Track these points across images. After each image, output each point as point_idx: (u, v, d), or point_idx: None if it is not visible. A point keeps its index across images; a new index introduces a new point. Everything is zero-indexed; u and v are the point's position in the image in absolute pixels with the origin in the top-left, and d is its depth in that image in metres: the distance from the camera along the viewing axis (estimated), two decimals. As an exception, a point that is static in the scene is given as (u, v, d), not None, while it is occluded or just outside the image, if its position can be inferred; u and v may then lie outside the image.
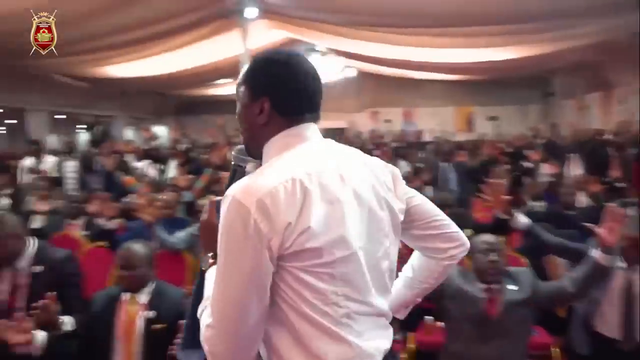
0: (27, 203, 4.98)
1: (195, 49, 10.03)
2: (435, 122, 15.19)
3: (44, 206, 4.01)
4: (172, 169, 7.10)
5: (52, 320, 2.10)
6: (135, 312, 2.34)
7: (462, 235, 1.32)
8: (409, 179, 4.63)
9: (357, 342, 1.06)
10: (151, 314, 2.30)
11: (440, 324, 2.71)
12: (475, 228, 3.16)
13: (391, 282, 1.19)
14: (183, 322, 1.94)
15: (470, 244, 2.47)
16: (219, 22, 9.00)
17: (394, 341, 2.58)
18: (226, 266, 1.01)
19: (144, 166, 7.45)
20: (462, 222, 3.42)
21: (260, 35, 9.88)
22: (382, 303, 1.14)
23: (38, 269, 2.33)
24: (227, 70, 11.51)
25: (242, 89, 1.20)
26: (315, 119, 1.17)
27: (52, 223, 4.18)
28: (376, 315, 1.13)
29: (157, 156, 7.46)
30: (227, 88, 14.08)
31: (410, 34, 9.41)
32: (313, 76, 1.16)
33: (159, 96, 16.07)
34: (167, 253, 3.47)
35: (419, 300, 1.42)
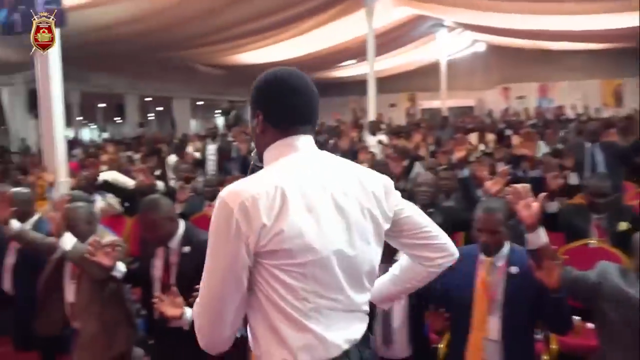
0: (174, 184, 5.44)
1: (322, 32, 10.16)
2: (576, 97, 13.81)
3: (184, 195, 4.29)
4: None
5: None
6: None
7: (450, 246, 1.40)
8: (548, 164, 4.22)
9: (322, 333, 1.17)
10: None
11: (589, 325, 2.45)
12: (635, 221, 2.79)
13: (370, 282, 1.29)
14: None
15: (632, 241, 2.21)
16: (345, 3, 8.99)
17: (536, 341, 2.40)
18: (212, 256, 1.17)
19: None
20: (618, 214, 3.09)
21: (385, 13, 9.70)
22: (357, 299, 1.24)
23: (186, 249, 2.50)
24: (352, 51, 11.52)
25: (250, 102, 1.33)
26: (308, 130, 1.27)
27: (194, 203, 4.52)
28: (347, 310, 1.23)
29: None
30: (352, 69, 14.14)
31: (548, 1, 8.58)
32: (302, 92, 1.26)
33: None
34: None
35: (403, 297, 1.55)
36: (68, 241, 2.60)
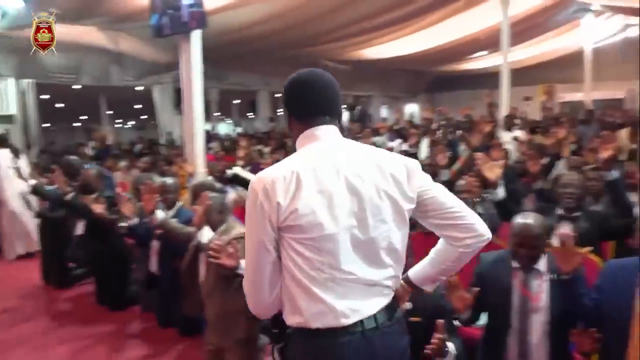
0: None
1: (451, 23, 9.74)
2: None
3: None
4: (425, 148, 7.08)
5: None
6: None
7: (478, 227, 1.43)
8: None
9: (332, 303, 1.32)
10: (408, 305, 2.16)
11: None
12: None
13: (393, 259, 1.39)
14: (441, 321, 1.86)
15: None
16: (476, -9, 8.54)
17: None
18: (247, 233, 1.38)
19: (396, 145, 7.63)
20: None
21: (522, 0, 9.02)
22: (375, 275, 1.37)
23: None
24: (484, 41, 10.91)
25: None
26: (328, 121, 1.43)
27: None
28: (365, 284, 1.36)
29: (407, 135, 7.52)
30: (483, 61, 13.41)
31: None
32: (316, 87, 1.44)
33: (413, 74, 16.31)
34: (422, 234, 3.43)
35: (444, 278, 1.60)
36: (206, 234, 2.76)
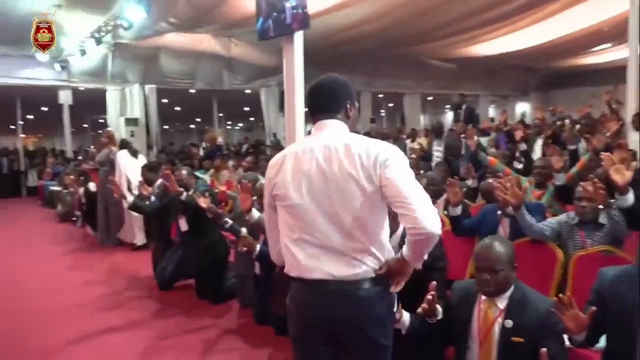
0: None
1: (570, 14, 8.98)
2: None
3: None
4: (538, 149, 6.58)
5: (431, 307, 2.04)
6: (492, 315, 2.04)
7: (422, 221, 1.52)
8: None
9: (300, 258, 1.66)
10: (509, 323, 1.99)
11: None
12: None
13: (361, 233, 1.62)
14: (544, 350, 1.69)
15: None
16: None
17: None
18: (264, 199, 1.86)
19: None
20: None
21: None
22: (342, 244, 1.62)
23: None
24: (607, 34, 9.94)
25: None
26: (330, 116, 1.75)
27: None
28: (328, 249, 1.63)
29: (514, 132, 7.02)
30: (605, 55, 12.23)
31: None
32: (315, 91, 1.79)
33: (523, 71, 15.33)
34: (528, 243, 3.13)
35: (418, 260, 1.63)
36: None
